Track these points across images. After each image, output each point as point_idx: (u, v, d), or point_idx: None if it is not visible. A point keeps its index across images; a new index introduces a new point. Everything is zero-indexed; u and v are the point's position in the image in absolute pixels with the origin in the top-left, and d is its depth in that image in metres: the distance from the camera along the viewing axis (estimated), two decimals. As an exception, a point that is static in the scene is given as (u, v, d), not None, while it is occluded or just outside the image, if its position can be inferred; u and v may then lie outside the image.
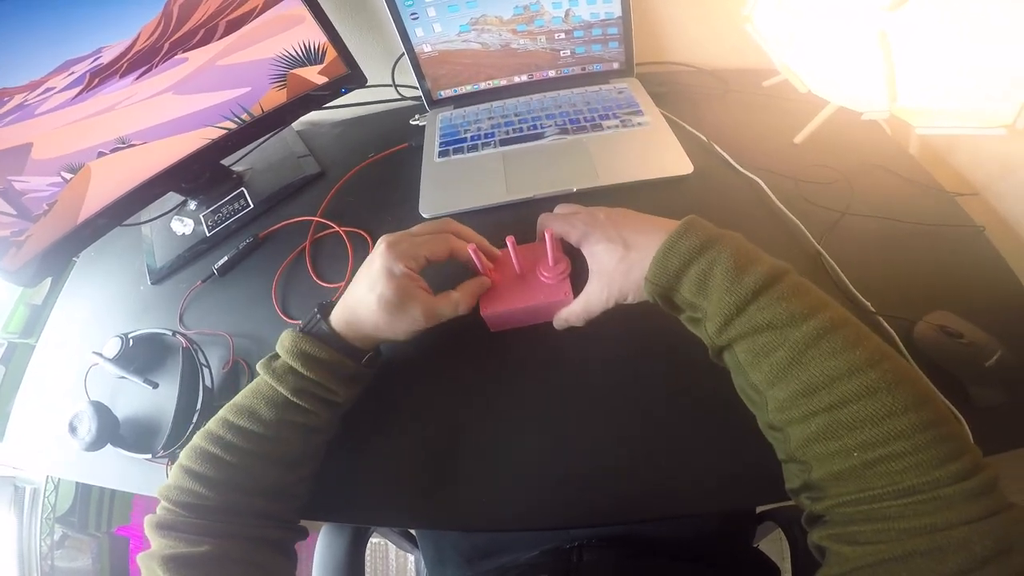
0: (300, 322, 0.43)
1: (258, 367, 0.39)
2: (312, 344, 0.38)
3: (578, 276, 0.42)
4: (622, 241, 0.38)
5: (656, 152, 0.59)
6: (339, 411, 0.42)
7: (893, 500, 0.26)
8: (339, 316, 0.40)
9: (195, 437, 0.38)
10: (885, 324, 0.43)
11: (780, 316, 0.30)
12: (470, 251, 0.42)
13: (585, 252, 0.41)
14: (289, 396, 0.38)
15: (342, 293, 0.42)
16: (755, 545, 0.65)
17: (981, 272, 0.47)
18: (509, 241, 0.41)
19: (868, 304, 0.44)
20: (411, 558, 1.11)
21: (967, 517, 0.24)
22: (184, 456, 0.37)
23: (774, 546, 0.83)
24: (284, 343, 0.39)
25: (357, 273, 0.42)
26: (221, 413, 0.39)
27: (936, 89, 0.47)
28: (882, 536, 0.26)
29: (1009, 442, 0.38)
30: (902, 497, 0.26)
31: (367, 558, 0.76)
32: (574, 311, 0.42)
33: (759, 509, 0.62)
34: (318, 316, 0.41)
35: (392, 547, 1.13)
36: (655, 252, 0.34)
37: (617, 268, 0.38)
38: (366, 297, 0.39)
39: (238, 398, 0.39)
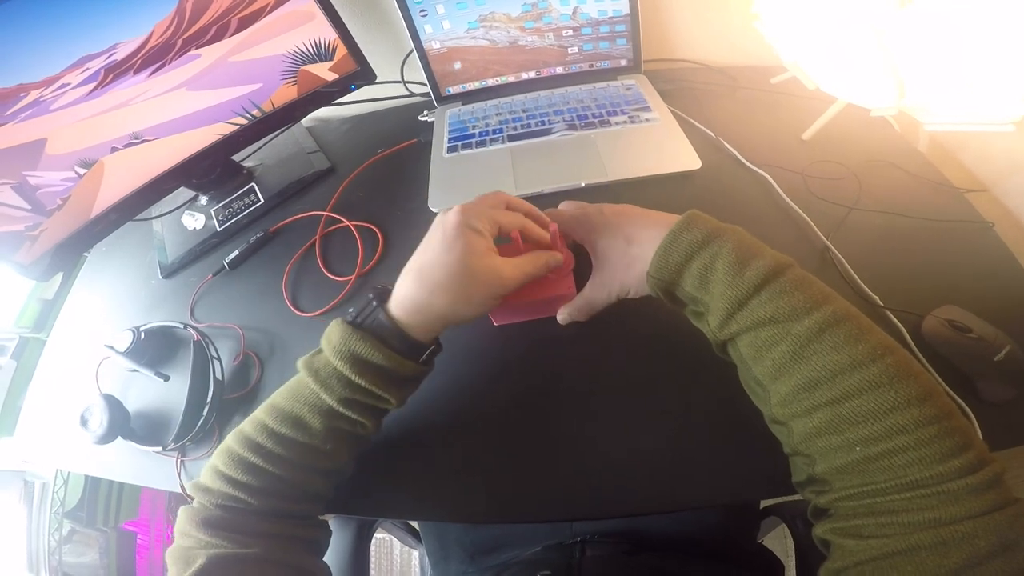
0: (351, 310, 0.35)
1: (299, 364, 0.35)
2: (365, 343, 0.32)
3: (581, 271, 0.42)
4: (624, 236, 0.38)
5: (664, 148, 0.59)
6: (386, 416, 0.39)
7: (897, 494, 0.26)
8: (403, 294, 0.34)
9: (230, 439, 0.35)
10: (893, 318, 0.43)
11: (782, 310, 0.30)
12: (552, 231, 0.40)
13: (588, 247, 0.41)
14: (335, 405, 0.33)
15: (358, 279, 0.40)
16: (759, 541, 0.65)
17: (990, 268, 0.47)
18: (514, 236, 0.41)
19: (876, 298, 0.44)
20: (415, 554, 1.11)
21: (972, 512, 0.24)
22: (222, 463, 0.35)
23: (778, 543, 0.83)
24: (331, 339, 0.33)
25: (422, 243, 0.36)
26: (260, 416, 0.35)
27: (945, 86, 0.47)
28: (886, 530, 0.26)
29: (1017, 437, 0.38)
30: (906, 491, 0.26)
31: (371, 553, 0.76)
32: (577, 306, 0.42)
33: (763, 504, 0.62)
34: (374, 303, 0.35)
35: (396, 543, 1.13)
36: (657, 246, 0.34)
37: (619, 263, 0.38)
38: (442, 259, 0.33)
39: (278, 400, 0.35)
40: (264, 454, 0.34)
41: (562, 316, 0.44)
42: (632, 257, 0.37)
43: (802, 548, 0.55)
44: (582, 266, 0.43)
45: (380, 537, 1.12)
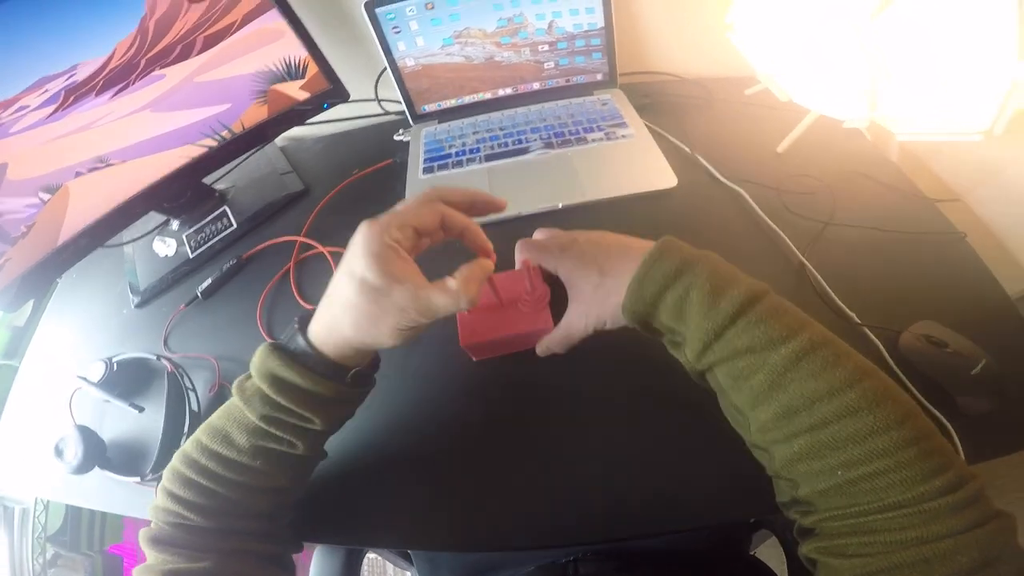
0: (280, 336, 0.37)
1: (233, 385, 0.36)
2: (281, 362, 0.33)
3: (559, 302, 0.42)
4: (597, 267, 0.37)
5: (640, 165, 0.59)
6: (322, 437, 0.38)
7: (880, 514, 0.26)
8: (318, 321, 0.34)
9: (174, 457, 0.36)
10: (871, 335, 0.43)
11: (758, 340, 0.30)
12: (524, 264, 0.39)
13: (563, 279, 0.41)
14: (258, 422, 0.34)
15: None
16: (752, 552, 0.65)
17: (964, 279, 0.48)
18: (490, 290, 0.41)
19: (853, 315, 0.45)
20: (408, 575, 1.10)
21: (953, 529, 0.24)
22: (166, 478, 0.35)
23: (770, 552, 0.83)
24: (255, 361, 0.34)
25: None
26: (197, 433, 0.36)
27: (915, 96, 0.47)
28: (869, 549, 0.26)
29: (996, 449, 0.38)
30: (888, 511, 0.26)
31: (364, 573, 0.75)
32: (555, 339, 0.42)
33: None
34: (295, 327, 0.35)
35: (390, 565, 1.12)
36: (630, 278, 0.34)
37: (594, 295, 0.38)
38: (344, 287, 0.32)
39: (213, 418, 0.36)
40: (198, 469, 0.35)
41: (541, 349, 0.43)
42: (607, 289, 0.37)
43: (794, 560, 0.55)
44: (558, 298, 0.42)
45: (372, 558, 1.11)
